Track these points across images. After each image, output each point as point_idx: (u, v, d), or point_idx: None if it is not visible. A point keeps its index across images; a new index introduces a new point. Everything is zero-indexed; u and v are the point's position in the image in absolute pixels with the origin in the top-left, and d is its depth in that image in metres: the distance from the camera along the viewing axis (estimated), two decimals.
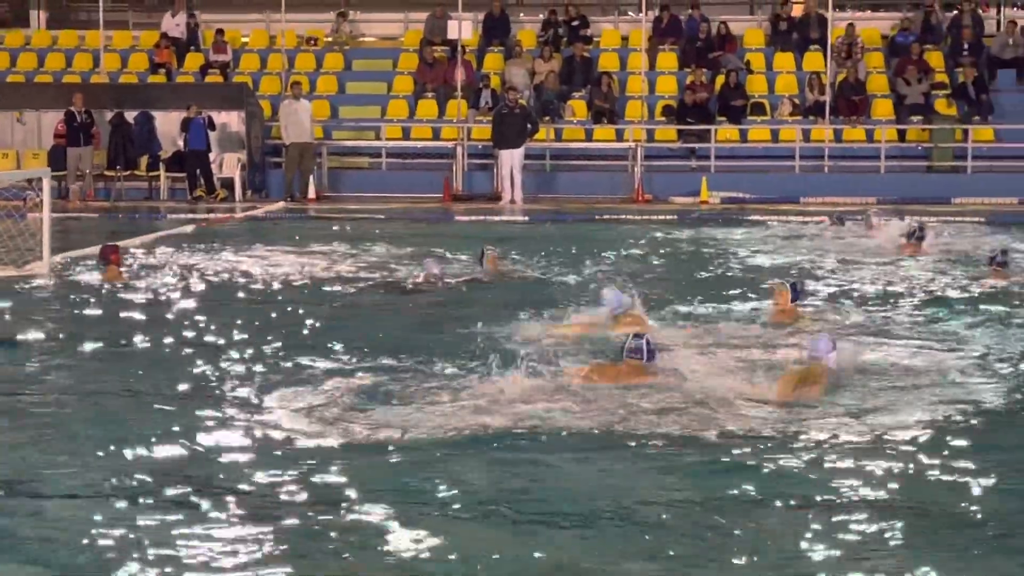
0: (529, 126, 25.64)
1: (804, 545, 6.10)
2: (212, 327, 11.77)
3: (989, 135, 26.85)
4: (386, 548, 6.09)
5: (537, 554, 6.03)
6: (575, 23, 29.51)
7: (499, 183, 25.66)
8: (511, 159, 25.26)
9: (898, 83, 27.47)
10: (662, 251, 18.04)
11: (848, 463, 7.35)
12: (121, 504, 6.67)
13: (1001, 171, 26.14)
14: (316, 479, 7.09)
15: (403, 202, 24.98)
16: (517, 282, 14.58)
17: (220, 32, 29.66)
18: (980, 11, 29.80)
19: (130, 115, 26.25)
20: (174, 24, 29.78)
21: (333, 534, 6.26)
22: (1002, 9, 30.66)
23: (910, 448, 7.65)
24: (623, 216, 23.01)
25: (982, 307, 12.68)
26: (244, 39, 30.74)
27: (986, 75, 27.69)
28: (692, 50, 28.71)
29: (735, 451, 7.60)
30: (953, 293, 13.74)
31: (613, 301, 11.00)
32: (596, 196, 25.54)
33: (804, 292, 11.93)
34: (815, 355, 9.32)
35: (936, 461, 7.41)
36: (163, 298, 13.60)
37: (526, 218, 23.40)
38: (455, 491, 6.86)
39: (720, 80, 27.72)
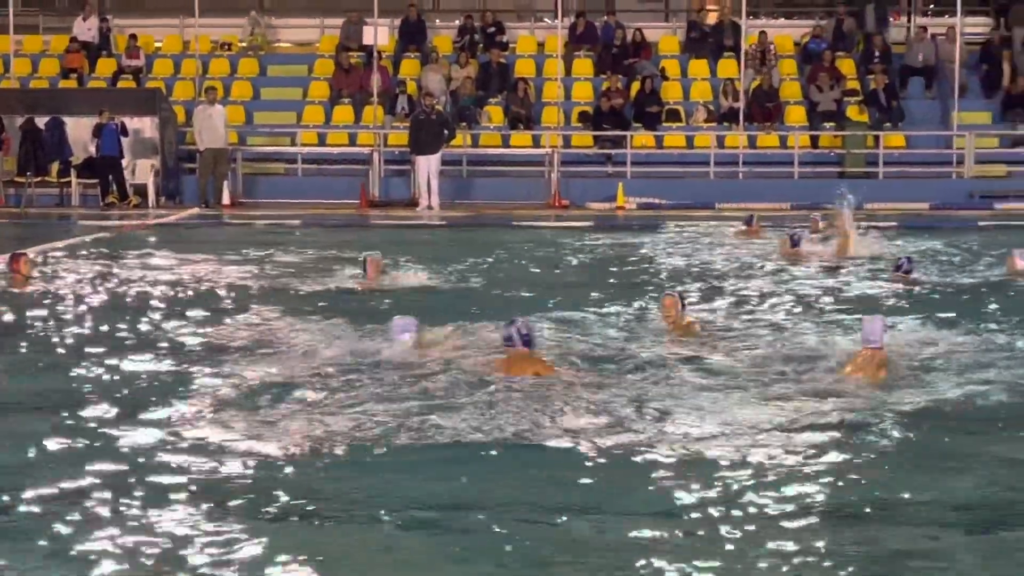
0: (446, 132, 25.63)
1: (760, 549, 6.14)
2: (121, 335, 11.62)
3: (900, 141, 27.23)
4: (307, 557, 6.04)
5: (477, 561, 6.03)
6: (491, 29, 29.55)
7: (416, 189, 25.62)
8: (428, 165, 25.23)
9: (811, 90, 27.79)
10: (577, 257, 18.09)
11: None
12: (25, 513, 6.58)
13: (912, 176, 26.52)
14: (227, 485, 7.03)
15: (319, 208, 24.85)
16: (397, 291, 14.35)
17: (133, 37, 29.35)
18: (891, 19, 30.23)
19: (41, 121, 25.83)
20: (86, 28, 29.44)
21: (255, 542, 6.21)
22: (912, 17, 31.12)
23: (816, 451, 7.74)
24: (539, 222, 23.04)
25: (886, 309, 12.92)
26: (157, 44, 30.44)
27: (897, 82, 28.09)
28: (608, 57, 28.86)
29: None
30: (856, 297, 13.98)
31: (399, 328, 10.45)
32: (513, 202, 25.57)
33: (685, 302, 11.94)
34: (870, 340, 9.39)
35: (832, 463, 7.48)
36: (72, 306, 13.39)
37: (443, 223, 23.39)
38: (381, 497, 6.85)
39: (636, 87, 27.89)
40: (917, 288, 14.46)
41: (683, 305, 11.47)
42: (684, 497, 6.86)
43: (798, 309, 13.04)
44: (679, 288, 12.31)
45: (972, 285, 14.90)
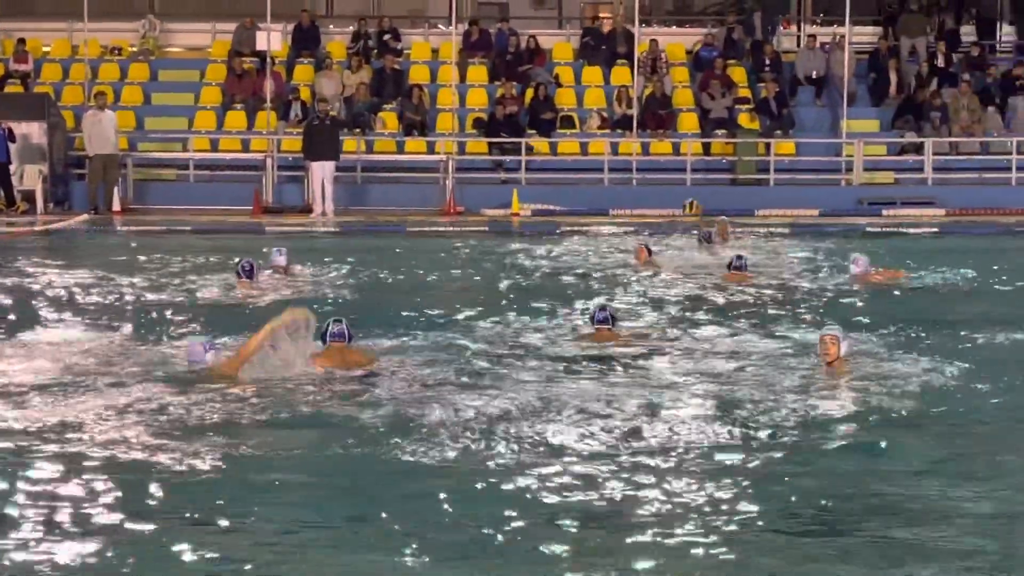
0: (345, 129, 25.51)
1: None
2: (4, 345, 11.44)
3: (790, 148, 27.60)
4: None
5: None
6: (385, 35, 29.48)
7: (310, 195, 25.48)
8: (322, 171, 25.09)
9: (703, 97, 28.06)
10: (472, 264, 18.12)
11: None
12: None
13: (802, 183, 26.86)
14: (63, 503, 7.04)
15: (212, 214, 24.58)
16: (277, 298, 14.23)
17: (21, 41, 28.86)
18: (781, 27, 30.64)
19: None
20: None
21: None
22: (802, 26, 31.57)
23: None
24: (434, 228, 23.02)
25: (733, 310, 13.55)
26: (46, 48, 29.93)
27: (787, 90, 28.47)
28: (502, 63, 28.93)
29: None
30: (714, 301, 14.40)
31: (196, 354, 10.27)
32: (408, 208, 25.50)
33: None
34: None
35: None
36: None
37: (337, 229, 23.28)
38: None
39: (530, 93, 27.97)
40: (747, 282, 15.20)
41: (612, 320, 11.45)
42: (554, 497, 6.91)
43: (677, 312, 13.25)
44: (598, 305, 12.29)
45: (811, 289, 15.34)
